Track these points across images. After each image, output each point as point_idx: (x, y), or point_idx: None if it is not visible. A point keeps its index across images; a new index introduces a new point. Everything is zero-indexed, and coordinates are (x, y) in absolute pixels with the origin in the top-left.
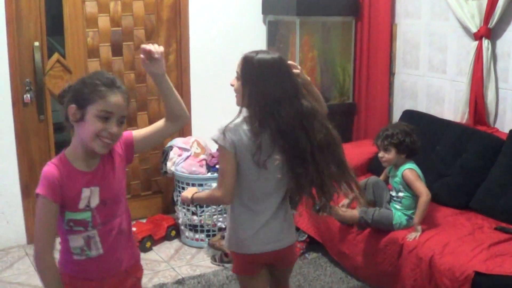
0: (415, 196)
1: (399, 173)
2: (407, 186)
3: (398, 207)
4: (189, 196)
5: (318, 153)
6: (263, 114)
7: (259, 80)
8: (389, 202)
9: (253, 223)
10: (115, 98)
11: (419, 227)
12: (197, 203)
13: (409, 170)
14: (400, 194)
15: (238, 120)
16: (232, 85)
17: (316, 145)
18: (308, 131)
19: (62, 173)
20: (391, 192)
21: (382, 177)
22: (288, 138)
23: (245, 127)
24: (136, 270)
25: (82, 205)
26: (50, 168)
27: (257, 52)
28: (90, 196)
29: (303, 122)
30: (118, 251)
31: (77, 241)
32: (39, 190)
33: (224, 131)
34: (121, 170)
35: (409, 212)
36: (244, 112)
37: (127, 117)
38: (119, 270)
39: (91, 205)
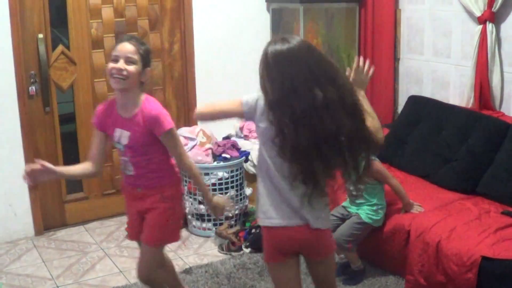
0: (377, 186)
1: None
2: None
3: (361, 200)
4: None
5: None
6: (277, 105)
7: (269, 73)
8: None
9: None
10: (121, 45)
11: (411, 202)
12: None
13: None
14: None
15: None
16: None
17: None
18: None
19: (106, 110)
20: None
21: None
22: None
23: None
24: (168, 188)
25: (115, 139)
26: (100, 107)
27: (275, 41)
28: (121, 136)
29: (317, 112)
30: (147, 177)
31: (121, 161)
32: (92, 119)
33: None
34: (146, 135)
35: (373, 201)
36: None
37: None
38: (152, 193)
39: (122, 142)
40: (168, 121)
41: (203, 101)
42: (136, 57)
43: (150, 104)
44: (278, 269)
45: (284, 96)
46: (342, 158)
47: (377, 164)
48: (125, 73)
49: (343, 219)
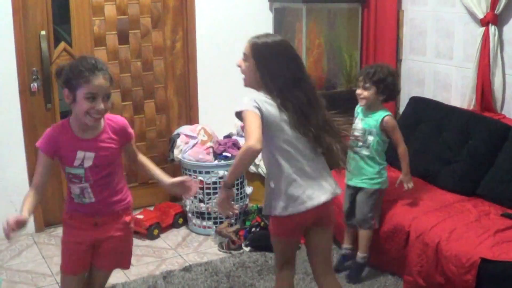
0: (384, 144)
1: (377, 117)
2: (382, 132)
3: (365, 153)
4: (223, 191)
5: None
6: (282, 94)
7: (274, 62)
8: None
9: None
10: (98, 81)
11: (410, 176)
12: (233, 181)
13: (391, 117)
14: (370, 137)
15: (258, 94)
16: (239, 66)
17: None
18: (316, 109)
19: (61, 134)
20: (356, 132)
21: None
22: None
23: (269, 100)
24: (126, 214)
25: (76, 163)
26: (52, 130)
27: (266, 35)
28: (84, 158)
29: (311, 101)
30: (108, 202)
31: (75, 190)
32: (38, 143)
33: (247, 101)
34: (115, 150)
35: (376, 159)
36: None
37: (133, 104)
38: (111, 218)
39: (85, 165)
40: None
41: (205, 100)
42: (110, 89)
43: (112, 117)
44: (292, 243)
45: (289, 81)
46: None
47: (389, 118)
48: (104, 112)
49: (354, 196)
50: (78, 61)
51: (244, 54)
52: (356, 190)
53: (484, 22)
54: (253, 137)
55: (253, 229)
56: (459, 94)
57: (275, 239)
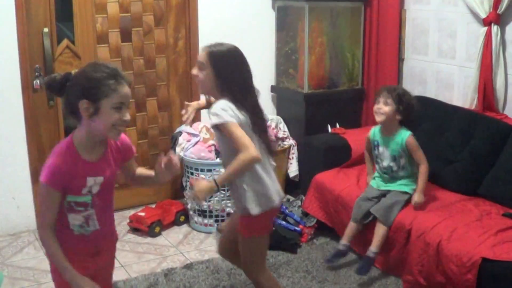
0: (413, 160)
1: (399, 138)
2: (407, 152)
3: (403, 174)
4: (211, 184)
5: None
6: (242, 100)
7: (232, 70)
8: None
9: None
10: (125, 89)
11: (423, 196)
12: (224, 183)
13: (412, 136)
14: (402, 160)
15: (224, 101)
16: (195, 75)
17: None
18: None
19: (69, 163)
20: (384, 163)
21: (366, 149)
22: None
23: (233, 106)
24: (114, 230)
25: (84, 191)
26: (57, 159)
27: (220, 44)
28: (93, 184)
29: (259, 106)
30: (109, 224)
31: (76, 219)
32: (43, 179)
33: (221, 110)
34: (117, 164)
35: (414, 172)
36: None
37: (136, 101)
38: (111, 240)
39: (93, 191)
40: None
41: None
42: None
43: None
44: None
45: (244, 87)
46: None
47: (412, 138)
48: (127, 124)
49: (378, 198)
50: (96, 68)
51: (201, 63)
52: (385, 192)
53: (486, 22)
54: (252, 147)
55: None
56: (461, 94)
57: (260, 238)
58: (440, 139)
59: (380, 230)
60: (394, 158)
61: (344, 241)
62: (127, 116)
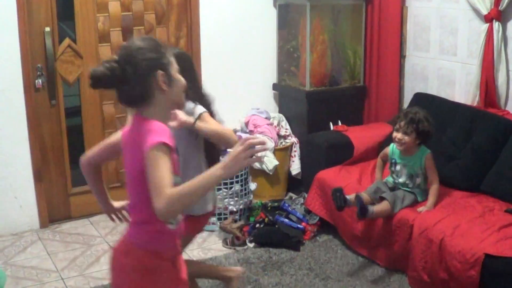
0: (426, 184)
1: (419, 156)
2: (424, 171)
3: (418, 191)
4: (191, 120)
5: None
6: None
7: (193, 72)
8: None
9: None
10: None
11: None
12: (198, 130)
13: (431, 154)
14: (418, 179)
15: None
16: None
17: None
18: None
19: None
20: (400, 179)
21: (380, 157)
22: None
23: None
24: None
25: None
26: (163, 125)
27: (173, 47)
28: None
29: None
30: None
31: None
32: (160, 139)
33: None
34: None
35: (424, 193)
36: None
37: None
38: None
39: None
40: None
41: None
42: None
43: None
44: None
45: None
46: None
47: (430, 156)
48: None
49: (391, 188)
50: (146, 41)
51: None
52: (396, 187)
53: (488, 19)
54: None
55: (257, 225)
56: (463, 91)
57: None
58: (442, 136)
59: (384, 206)
60: (411, 177)
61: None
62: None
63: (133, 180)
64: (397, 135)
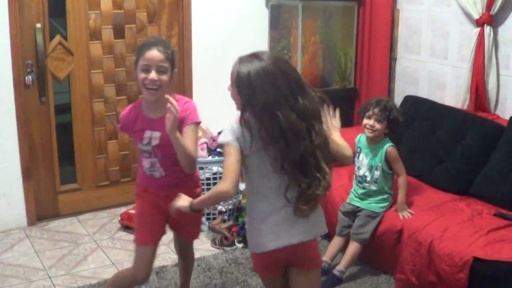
0: (390, 176)
1: (380, 149)
2: (386, 164)
3: (373, 188)
4: (186, 204)
5: (318, 151)
6: (258, 118)
7: (250, 91)
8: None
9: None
10: (150, 53)
11: (406, 205)
12: (198, 208)
13: (393, 147)
14: (376, 173)
15: (237, 124)
16: (228, 90)
17: (317, 144)
18: (310, 131)
19: (132, 114)
20: (361, 171)
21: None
22: (286, 137)
23: (244, 130)
24: (196, 186)
25: (144, 141)
26: (123, 111)
27: (250, 61)
28: (151, 137)
29: (303, 122)
30: (178, 176)
31: (146, 163)
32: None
33: (226, 132)
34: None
35: (384, 189)
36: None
37: (128, 98)
38: (181, 184)
39: (152, 143)
40: (197, 114)
41: (199, 95)
42: (166, 64)
43: (180, 98)
44: (273, 281)
45: (270, 111)
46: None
47: (392, 149)
48: (158, 83)
49: (354, 214)
50: (147, 39)
51: (231, 80)
52: (358, 208)
53: (479, 23)
54: (227, 180)
55: (246, 226)
56: (453, 94)
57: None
58: (432, 139)
59: (351, 248)
60: (371, 168)
61: (326, 257)
62: (152, 75)
63: None
64: (369, 122)
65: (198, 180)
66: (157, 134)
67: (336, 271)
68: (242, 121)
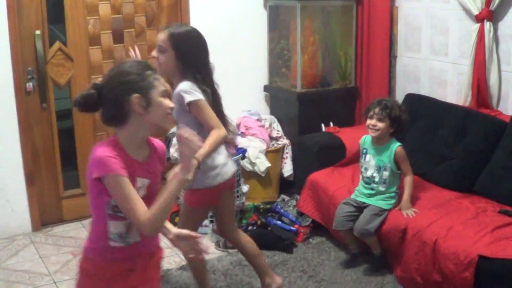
0: (398, 176)
1: (389, 150)
2: (394, 164)
3: (381, 189)
4: (194, 162)
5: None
6: (200, 79)
7: (193, 52)
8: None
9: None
10: (163, 79)
11: (410, 204)
12: (203, 159)
13: (401, 147)
14: (385, 173)
15: (189, 82)
16: (155, 57)
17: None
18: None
19: (119, 155)
20: (368, 172)
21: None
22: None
23: (196, 87)
24: (159, 251)
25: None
26: (106, 150)
27: (180, 25)
28: (141, 187)
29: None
30: (151, 240)
31: (117, 227)
32: (112, 170)
33: (190, 90)
34: (159, 173)
35: (392, 189)
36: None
37: None
38: (148, 253)
39: (140, 195)
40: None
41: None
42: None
43: (153, 138)
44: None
45: (205, 67)
46: None
47: (401, 149)
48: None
49: (359, 209)
50: (126, 65)
51: (161, 46)
52: (365, 204)
53: (479, 19)
54: (222, 125)
55: (250, 228)
56: (454, 91)
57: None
58: (434, 137)
59: (368, 241)
60: (379, 169)
61: (353, 245)
62: (172, 103)
63: None
64: (371, 121)
65: (159, 240)
66: (146, 182)
67: (376, 253)
68: (199, 80)
